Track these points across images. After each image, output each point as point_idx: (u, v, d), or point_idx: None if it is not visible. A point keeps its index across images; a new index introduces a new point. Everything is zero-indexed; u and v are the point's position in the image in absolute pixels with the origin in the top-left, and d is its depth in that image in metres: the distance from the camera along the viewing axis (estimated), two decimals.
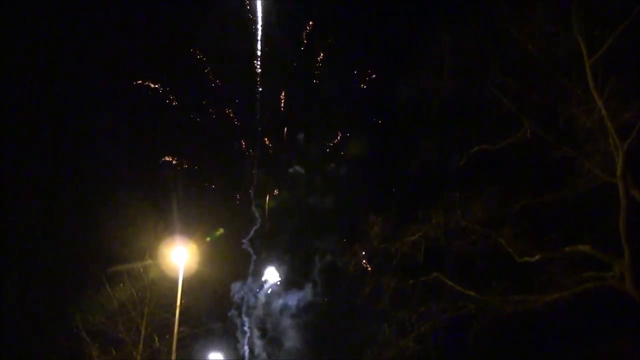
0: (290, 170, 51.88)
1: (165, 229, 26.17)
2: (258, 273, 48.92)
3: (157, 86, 47.23)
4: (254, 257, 48.86)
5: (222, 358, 38.81)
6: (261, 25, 50.19)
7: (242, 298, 48.26)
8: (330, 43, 50.76)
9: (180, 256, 22.83)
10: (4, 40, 33.85)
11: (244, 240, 48.67)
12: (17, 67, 35.03)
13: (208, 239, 34.14)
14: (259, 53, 49.75)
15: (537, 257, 19.21)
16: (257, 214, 49.59)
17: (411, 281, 21.28)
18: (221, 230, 39.83)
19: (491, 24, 20.01)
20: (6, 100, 33.36)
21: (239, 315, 47.83)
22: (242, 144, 50.25)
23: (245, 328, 47.23)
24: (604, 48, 17.00)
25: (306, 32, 51.12)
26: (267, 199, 49.73)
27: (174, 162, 46.52)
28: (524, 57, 19.29)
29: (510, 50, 19.59)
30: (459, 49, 20.55)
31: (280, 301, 48.76)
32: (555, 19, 18.24)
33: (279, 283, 48.91)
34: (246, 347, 46.93)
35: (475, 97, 21.09)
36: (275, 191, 50.43)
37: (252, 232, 49.32)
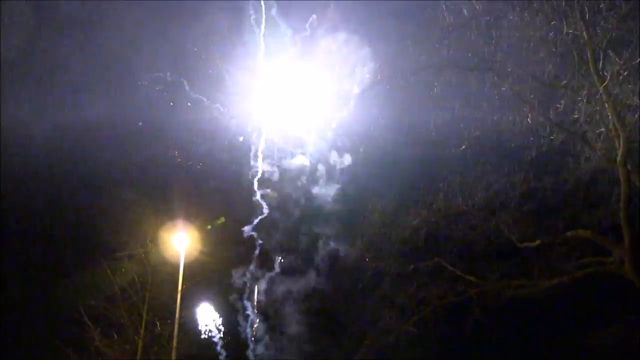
0: (294, 159, 51.77)
1: (166, 215, 26.21)
2: (261, 260, 48.98)
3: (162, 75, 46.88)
4: (258, 244, 48.95)
5: None
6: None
7: (244, 283, 48.39)
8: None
9: (181, 242, 22.95)
10: None
11: (247, 229, 48.71)
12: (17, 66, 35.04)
13: (209, 226, 34.11)
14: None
15: (538, 242, 19.29)
16: (261, 203, 49.58)
17: (412, 266, 21.33)
18: (222, 219, 39.80)
19: (492, 6, 19.90)
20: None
21: (240, 300, 47.95)
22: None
23: (247, 312, 47.41)
24: (606, 33, 16.92)
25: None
26: (270, 189, 49.65)
27: (176, 153, 46.36)
28: (525, 41, 19.20)
29: (511, 34, 19.47)
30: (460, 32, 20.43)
31: (283, 287, 48.87)
32: (557, 2, 18.12)
33: (281, 269, 49.00)
34: (248, 330, 47.13)
35: (476, 80, 21.01)
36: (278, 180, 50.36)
37: (256, 221, 49.36)
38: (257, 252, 47.68)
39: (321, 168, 48.01)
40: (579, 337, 21.13)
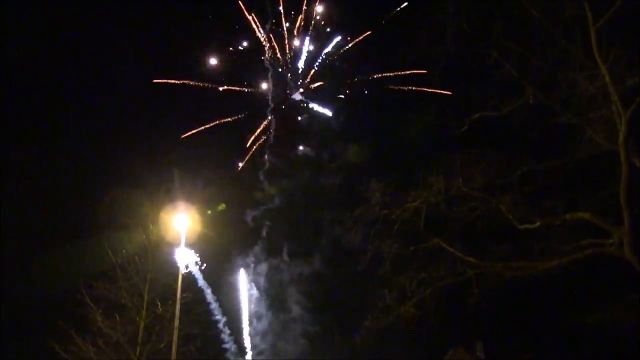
0: (298, 150, 51.92)
1: (167, 196, 26.26)
2: (265, 244, 49.32)
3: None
4: (264, 231, 49.26)
5: None
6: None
7: (248, 264, 48.69)
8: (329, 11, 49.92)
9: (182, 223, 23.00)
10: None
11: (249, 213, 48.93)
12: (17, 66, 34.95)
13: (209, 212, 34.12)
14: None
15: (537, 223, 19.26)
16: (267, 188, 49.76)
17: (412, 247, 21.33)
18: (223, 205, 39.83)
19: None
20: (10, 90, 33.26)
21: (243, 280, 48.25)
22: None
23: (251, 291, 47.75)
24: (609, 13, 16.74)
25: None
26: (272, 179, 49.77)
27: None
28: (527, 21, 19.03)
29: (514, 14, 19.30)
30: (462, 12, 20.24)
31: (286, 270, 49.20)
32: None
33: (285, 254, 49.30)
34: (250, 309, 47.49)
35: (477, 62, 20.87)
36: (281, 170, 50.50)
37: (261, 209, 49.59)
38: (262, 234, 47.98)
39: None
40: (578, 318, 21.18)
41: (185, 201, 24.49)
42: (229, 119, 48.99)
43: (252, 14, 48.84)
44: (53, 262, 28.77)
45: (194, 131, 47.53)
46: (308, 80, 50.81)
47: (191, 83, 47.93)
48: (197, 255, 27.23)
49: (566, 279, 19.63)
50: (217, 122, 48.31)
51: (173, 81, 47.40)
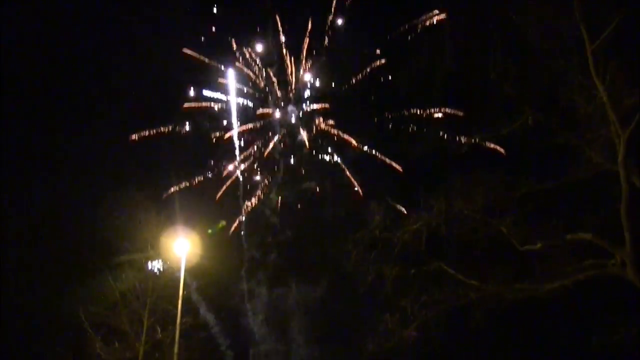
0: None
1: (167, 220, 26.22)
2: (264, 268, 49.11)
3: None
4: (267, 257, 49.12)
5: None
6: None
7: (250, 289, 48.42)
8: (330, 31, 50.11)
9: (182, 247, 22.90)
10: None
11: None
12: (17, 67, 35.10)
13: (210, 231, 33.95)
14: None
15: (539, 245, 19.12)
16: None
17: (413, 270, 21.20)
18: (224, 223, 39.63)
19: (492, 8, 19.86)
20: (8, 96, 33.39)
21: (242, 303, 47.92)
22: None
23: (249, 317, 47.39)
24: (606, 34, 16.81)
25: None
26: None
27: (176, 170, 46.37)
28: (525, 43, 19.14)
29: (512, 36, 19.43)
30: (461, 34, 20.41)
31: (285, 293, 48.89)
32: (556, 4, 18.05)
33: (288, 279, 49.08)
34: (251, 334, 47.10)
35: (476, 83, 20.97)
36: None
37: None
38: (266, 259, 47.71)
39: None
40: (582, 339, 20.93)
41: (186, 224, 24.45)
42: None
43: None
44: (52, 288, 28.65)
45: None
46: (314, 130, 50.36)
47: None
48: (198, 279, 27.03)
49: (569, 300, 19.42)
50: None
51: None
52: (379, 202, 22.61)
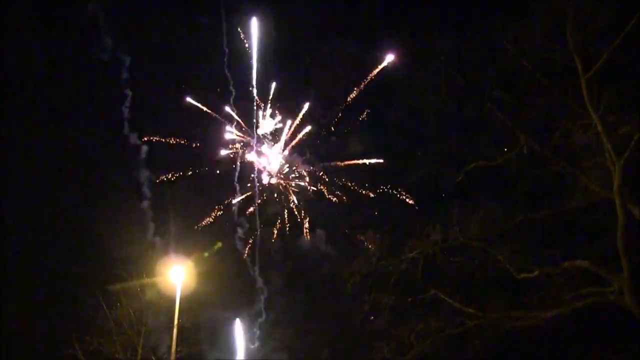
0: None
1: (162, 248, 26.13)
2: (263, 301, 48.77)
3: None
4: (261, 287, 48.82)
5: None
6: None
7: (247, 317, 48.01)
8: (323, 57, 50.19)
9: (177, 275, 22.70)
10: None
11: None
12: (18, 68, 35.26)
13: (206, 254, 33.62)
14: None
15: (536, 272, 19.10)
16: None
17: (409, 299, 21.12)
18: (219, 244, 39.23)
19: (487, 39, 20.15)
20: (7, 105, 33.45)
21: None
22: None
23: (249, 345, 46.92)
24: (599, 64, 17.09)
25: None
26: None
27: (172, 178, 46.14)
28: (519, 72, 19.37)
29: (506, 66, 19.66)
30: (456, 64, 20.65)
31: (283, 323, 48.48)
32: (550, 34, 18.35)
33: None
34: None
35: (472, 113, 21.17)
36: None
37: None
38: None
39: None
40: None
41: (183, 249, 24.33)
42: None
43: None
44: (45, 316, 28.38)
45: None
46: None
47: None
48: (194, 307, 26.77)
49: (567, 328, 19.33)
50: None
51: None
52: (374, 230, 22.61)
